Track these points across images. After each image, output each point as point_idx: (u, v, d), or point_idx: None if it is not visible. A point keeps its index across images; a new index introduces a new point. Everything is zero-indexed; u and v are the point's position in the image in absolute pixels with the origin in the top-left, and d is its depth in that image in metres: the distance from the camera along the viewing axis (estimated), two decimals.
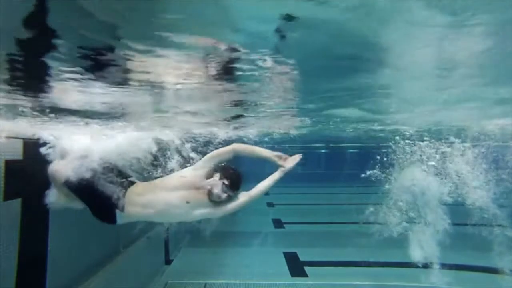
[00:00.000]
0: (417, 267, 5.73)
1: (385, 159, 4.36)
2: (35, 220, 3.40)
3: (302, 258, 7.76)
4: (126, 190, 3.00)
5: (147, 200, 2.97)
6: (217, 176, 2.91)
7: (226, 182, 2.86)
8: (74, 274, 4.09)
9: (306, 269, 7.07)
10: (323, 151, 15.87)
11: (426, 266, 5.36)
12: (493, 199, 4.07)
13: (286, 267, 7.20)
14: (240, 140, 5.06)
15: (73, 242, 4.04)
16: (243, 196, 3.02)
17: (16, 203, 3.20)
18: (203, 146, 3.46)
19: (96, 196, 2.97)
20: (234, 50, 1.74)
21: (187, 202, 2.92)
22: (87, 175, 2.97)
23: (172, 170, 3.27)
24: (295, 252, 8.05)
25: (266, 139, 6.97)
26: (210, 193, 2.89)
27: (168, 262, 7.36)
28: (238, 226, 10.83)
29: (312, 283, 6.41)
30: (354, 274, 6.61)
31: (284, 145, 12.84)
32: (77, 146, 3.20)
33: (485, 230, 4.66)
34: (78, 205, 3.16)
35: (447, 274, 6.22)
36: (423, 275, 6.51)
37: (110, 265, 4.78)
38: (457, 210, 4.55)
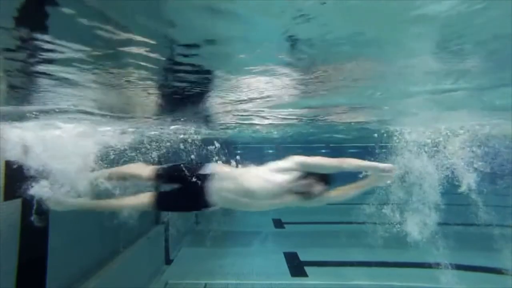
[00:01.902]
0: (417, 267, 5.74)
1: (384, 158, 4.36)
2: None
3: (302, 258, 7.77)
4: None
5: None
6: (312, 177, 2.97)
7: (320, 182, 2.96)
8: (74, 274, 4.10)
9: (306, 269, 7.07)
10: (323, 151, 15.87)
11: (426, 266, 5.37)
12: None
13: (286, 267, 7.20)
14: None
15: (73, 242, 4.04)
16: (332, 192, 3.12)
17: (16, 203, 3.21)
18: None
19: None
20: None
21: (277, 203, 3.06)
22: None
23: None
24: (295, 252, 8.05)
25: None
26: (307, 194, 2.96)
27: (168, 262, 7.37)
28: (238, 226, 10.84)
29: (312, 283, 6.42)
30: (354, 274, 6.61)
31: (283, 144, 12.89)
32: None
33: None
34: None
35: (446, 274, 6.22)
36: (423, 275, 6.52)
37: (110, 265, 4.78)
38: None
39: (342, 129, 6.45)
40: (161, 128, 4.88)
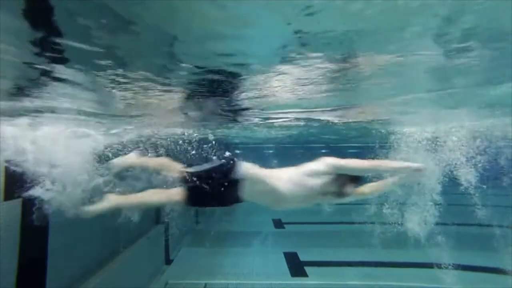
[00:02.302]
0: (417, 267, 5.74)
1: (384, 157, 4.36)
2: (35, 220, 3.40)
3: (302, 258, 7.77)
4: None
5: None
6: (344, 177, 2.99)
7: (352, 181, 2.99)
8: (74, 274, 4.10)
9: (306, 269, 7.07)
10: (323, 151, 15.87)
11: (426, 266, 5.37)
12: None
13: (286, 267, 7.20)
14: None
15: (73, 242, 4.04)
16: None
17: (16, 203, 3.21)
18: None
19: None
20: None
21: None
22: None
23: None
24: (295, 252, 8.05)
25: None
26: (340, 193, 2.98)
27: (168, 262, 7.37)
28: (238, 226, 10.84)
29: (312, 283, 6.42)
30: (354, 274, 6.61)
31: (284, 144, 12.87)
32: None
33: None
34: None
35: (446, 274, 6.22)
36: (423, 275, 6.53)
37: (110, 265, 4.78)
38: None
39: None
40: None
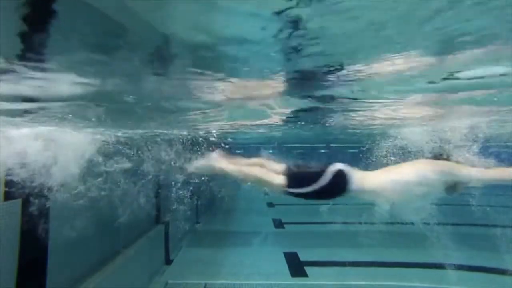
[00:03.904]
0: (416, 267, 5.72)
1: (383, 157, 4.35)
2: (35, 220, 3.40)
3: (303, 258, 7.76)
4: None
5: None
6: None
7: None
8: (74, 274, 4.10)
9: (307, 269, 7.07)
10: (322, 151, 15.86)
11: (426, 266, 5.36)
12: None
13: (287, 267, 7.20)
14: None
15: (73, 242, 4.03)
16: None
17: (16, 203, 3.20)
18: None
19: None
20: None
21: None
22: None
23: None
24: (296, 252, 8.05)
25: None
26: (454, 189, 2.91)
27: (168, 262, 7.36)
28: (238, 226, 10.85)
29: (312, 283, 6.41)
30: (354, 274, 6.61)
31: (285, 144, 12.87)
32: None
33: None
34: None
35: (447, 274, 6.22)
36: (423, 275, 6.53)
37: (110, 265, 4.78)
38: None
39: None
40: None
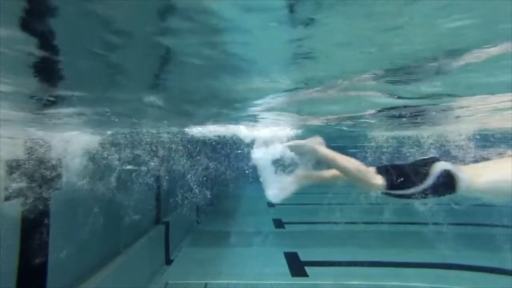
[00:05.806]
0: (416, 267, 5.71)
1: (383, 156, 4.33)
2: (36, 220, 3.40)
3: (303, 258, 7.75)
4: None
5: None
6: None
7: None
8: (74, 274, 4.10)
9: (307, 269, 7.06)
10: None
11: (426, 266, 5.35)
12: None
13: (287, 267, 7.19)
14: None
15: (73, 242, 4.04)
16: None
17: (16, 203, 3.20)
18: None
19: None
20: None
21: None
22: None
23: None
24: (296, 252, 8.04)
25: None
26: None
27: (168, 262, 7.36)
28: (238, 226, 10.83)
29: (312, 283, 6.41)
30: (354, 274, 6.60)
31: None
32: None
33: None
34: None
35: (448, 274, 6.22)
36: (423, 275, 6.53)
37: (110, 265, 4.78)
38: None
39: None
40: None
